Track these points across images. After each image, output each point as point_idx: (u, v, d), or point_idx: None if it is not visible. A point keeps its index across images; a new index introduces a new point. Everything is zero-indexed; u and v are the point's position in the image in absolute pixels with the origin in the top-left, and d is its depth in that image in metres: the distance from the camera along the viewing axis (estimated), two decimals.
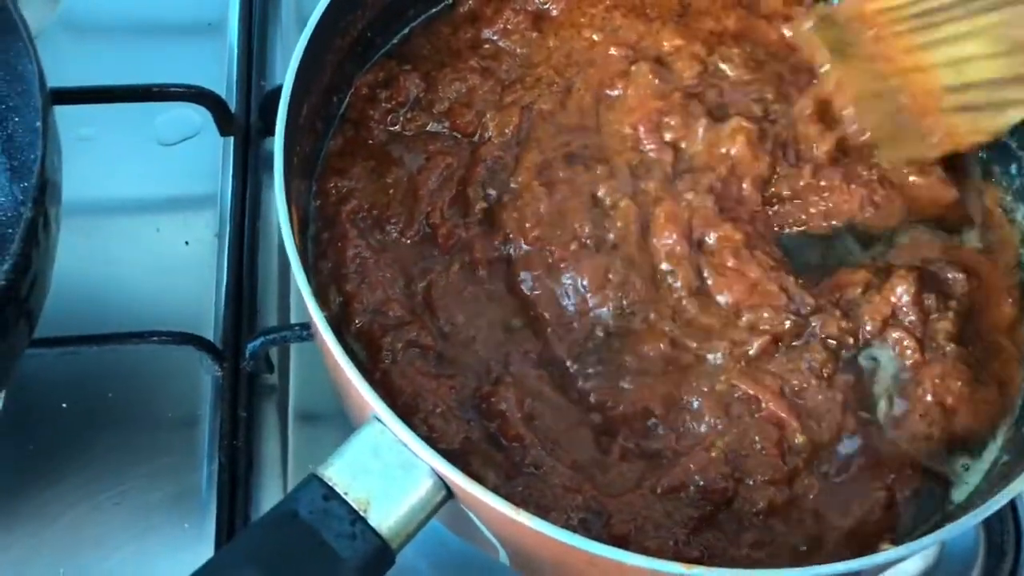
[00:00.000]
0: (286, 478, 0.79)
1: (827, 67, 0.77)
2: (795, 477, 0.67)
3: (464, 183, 0.76)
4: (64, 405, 0.80)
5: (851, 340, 0.71)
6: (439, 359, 0.70)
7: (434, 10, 0.85)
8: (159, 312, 0.84)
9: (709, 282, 0.72)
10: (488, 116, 0.79)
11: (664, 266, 0.72)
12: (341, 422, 0.77)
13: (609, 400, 0.69)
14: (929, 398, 0.69)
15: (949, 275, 0.74)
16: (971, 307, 0.74)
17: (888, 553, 0.57)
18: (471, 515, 0.60)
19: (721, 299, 0.72)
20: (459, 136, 0.79)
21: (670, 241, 0.72)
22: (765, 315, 0.71)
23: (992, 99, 0.74)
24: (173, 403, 0.82)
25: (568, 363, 0.70)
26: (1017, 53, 0.72)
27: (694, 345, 0.71)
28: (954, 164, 0.78)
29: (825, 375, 0.69)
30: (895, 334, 0.71)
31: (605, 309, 0.71)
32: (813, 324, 0.71)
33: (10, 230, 0.76)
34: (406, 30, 0.84)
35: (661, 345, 0.70)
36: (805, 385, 0.69)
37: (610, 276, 0.71)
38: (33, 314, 0.66)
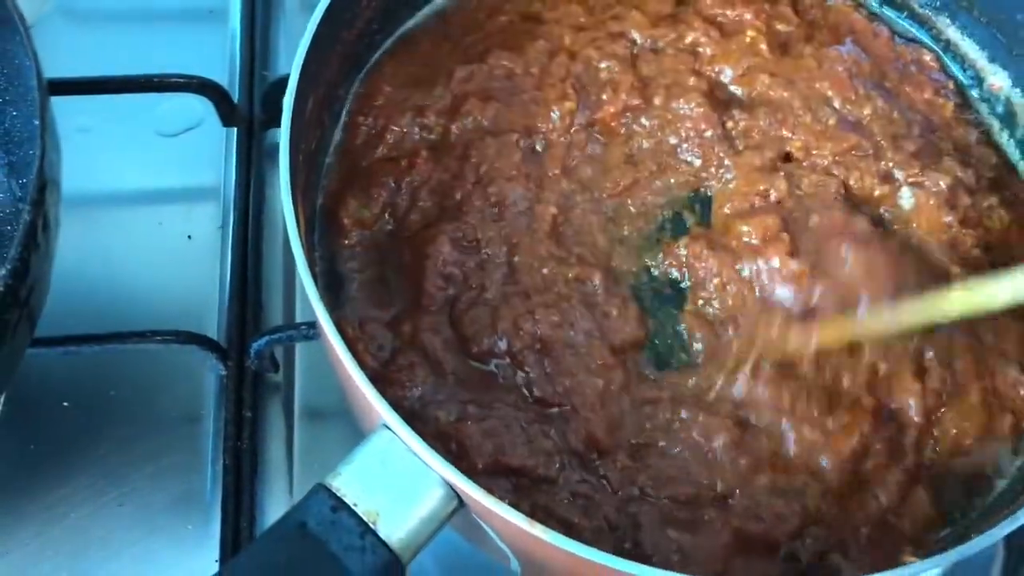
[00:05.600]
0: (292, 477, 0.78)
1: None
2: None
3: None
4: (66, 404, 0.79)
5: None
6: None
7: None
8: (163, 307, 0.82)
9: None
10: None
11: None
12: (347, 421, 0.76)
13: None
14: None
15: None
16: None
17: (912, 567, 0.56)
18: (483, 525, 0.59)
19: None
20: None
21: None
22: None
23: None
24: (177, 401, 0.80)
25: None
26: None
27: None
28: None
29: None
30: None
31: None
32: None
33: (8, 227, 0.74)
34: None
35: None
36: None
37: None
38: (34, 315, 0.64)
